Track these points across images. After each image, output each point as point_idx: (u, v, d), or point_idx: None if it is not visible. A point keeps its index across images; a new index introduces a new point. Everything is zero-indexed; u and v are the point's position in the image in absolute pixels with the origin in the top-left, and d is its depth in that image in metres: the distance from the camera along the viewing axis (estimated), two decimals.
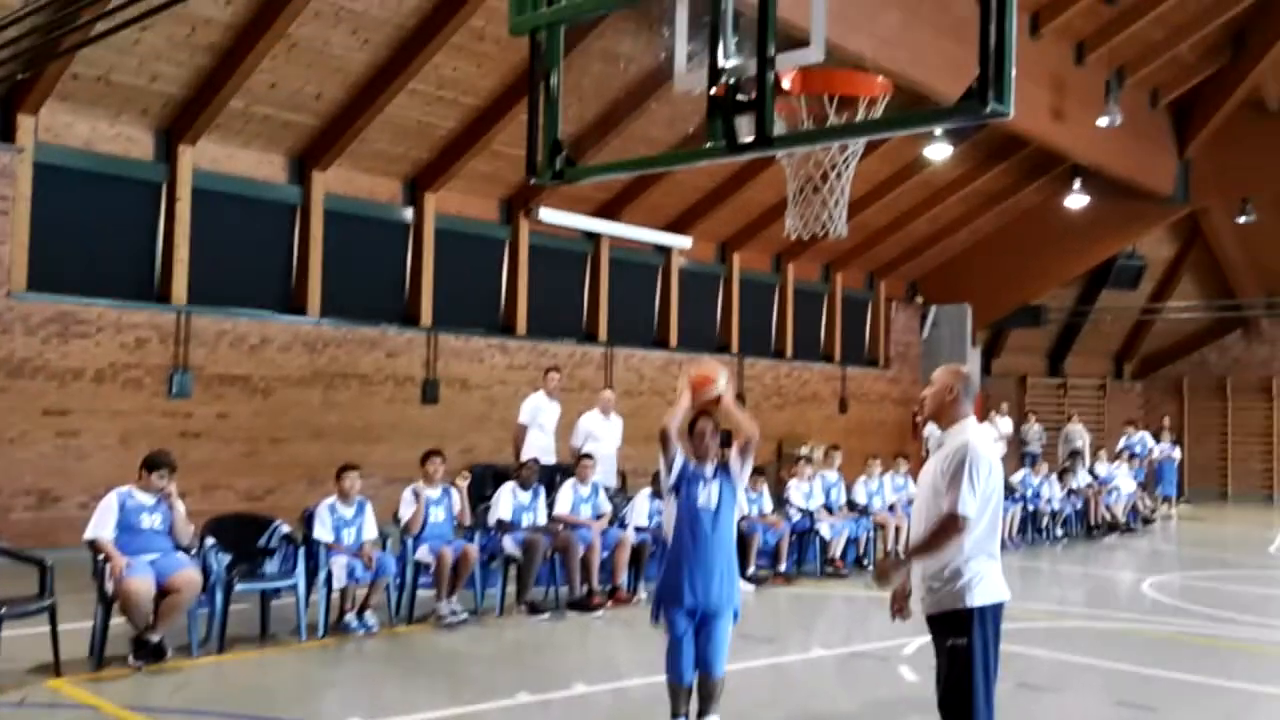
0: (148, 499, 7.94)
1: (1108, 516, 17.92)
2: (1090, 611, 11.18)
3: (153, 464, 8.02)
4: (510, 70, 14.04)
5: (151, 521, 7.90)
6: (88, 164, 12.91)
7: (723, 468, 6.17)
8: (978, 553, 4.71)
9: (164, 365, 13.23)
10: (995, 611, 4.74)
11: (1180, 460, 22.77)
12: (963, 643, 4.64)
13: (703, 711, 5.94)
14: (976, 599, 4.67)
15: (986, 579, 4.72)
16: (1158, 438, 22.06)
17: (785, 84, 6.78)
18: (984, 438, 4.87)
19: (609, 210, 17.75)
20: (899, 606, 5.06)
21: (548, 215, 16.85)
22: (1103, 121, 17.19)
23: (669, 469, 6.01)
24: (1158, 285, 26.01)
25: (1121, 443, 21.34)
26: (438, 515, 9.64)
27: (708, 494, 6.01)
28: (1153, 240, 24.59)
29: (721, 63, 5.25)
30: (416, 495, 9.54)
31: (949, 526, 4.62)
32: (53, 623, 7.34)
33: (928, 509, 4.78)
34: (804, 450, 15.83)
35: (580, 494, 10.72)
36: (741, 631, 9.66)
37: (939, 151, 18.63)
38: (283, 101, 13.53)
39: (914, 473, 15.38)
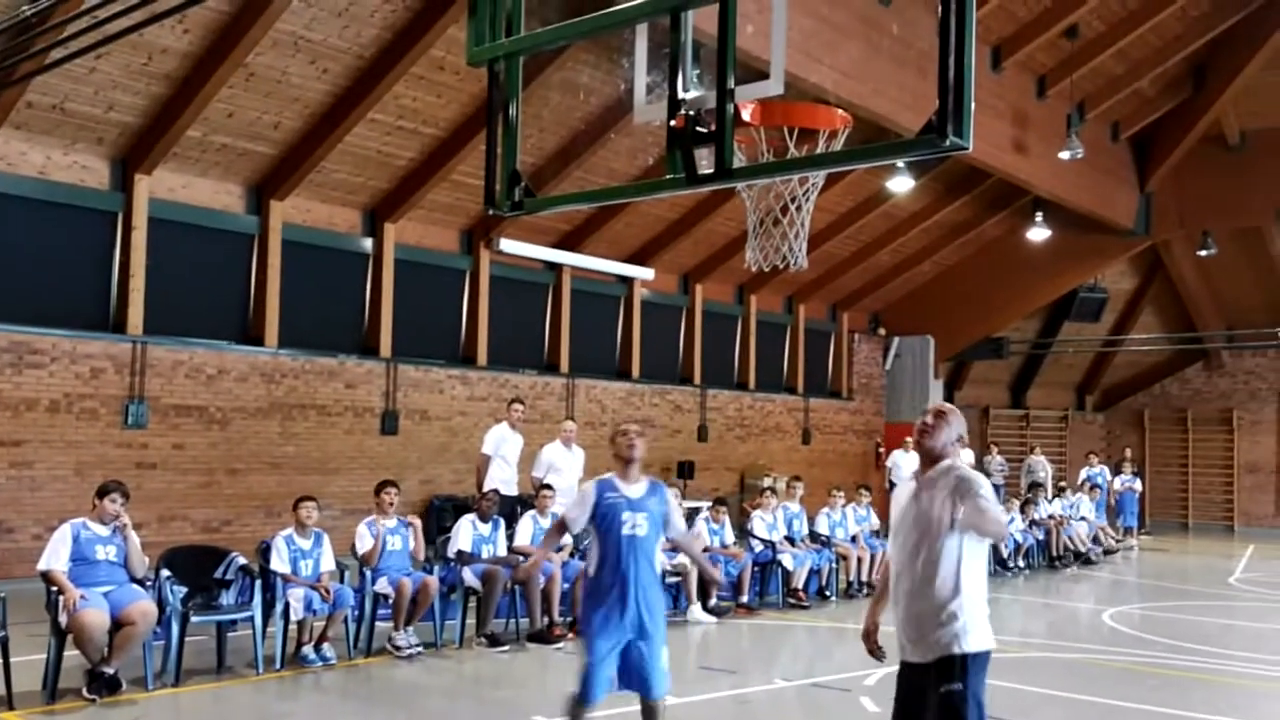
0: (102, 530, 7.89)
1: (1070, 547, 17.98)
2: (1051, 642, 11.19)
3: (105, 490, 7.97)
4: (470, 100, 14.03)
5: (106, 553, 7.83)
6: (42, 193, 12.75)
7: (652, 491, 5.98)
8: (973, 595, 4.64)
9: (119, 395, 13.05)
10: (986, 659, 4.64)
11: (1141, 491, 22.92)
12: (957, 689, 4.49)
13: None
14: (970, 645, 4.57)
15: (980, 624, 4.66)
16: (1119, 469, 22.21)
17: (745, 116, 6.81)
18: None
19: (571, 241, 17.74)
20: (871, 644, 5.12)
21: (509, 246, 16.81)
22: (1064, 155, 17.36)
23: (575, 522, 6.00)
24: (1119, 317, 26.31)
25: (1083, 474, 21.48)
26: (395, 544, 9.53)
27: (633, 521, 5.84)
28: (1114, 273, 24.91)
29: (681, 94, 5.25)
30: (372, 530, 9.43)
31: (996, 524, 4.65)
32: (4, 655, 7.25)
33: (919, 539, 4.67)
34: (767, 481, 15.80)
35: (540, 525, 10.65)
36: (703, 662, 9.65)
37: (901, 184, 18.76)
38: (240, 131, 13.44)
39: (877, 504, 15.47)
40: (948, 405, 5.03)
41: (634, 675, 5.72)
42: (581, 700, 5.67)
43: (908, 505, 4.80)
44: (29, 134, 12.47)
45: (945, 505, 4.60)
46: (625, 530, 5.80)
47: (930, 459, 4.81)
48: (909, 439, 21.38)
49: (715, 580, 5.58)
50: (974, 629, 4.57)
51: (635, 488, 5.94)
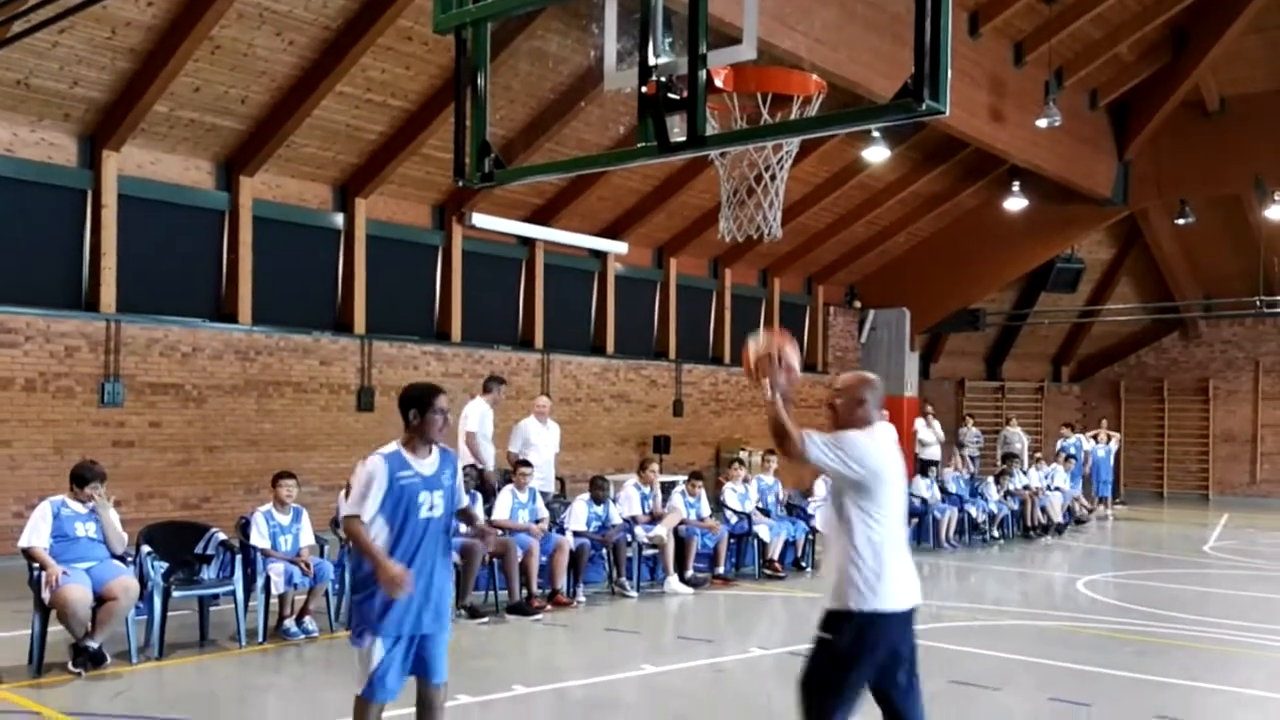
0: (82, 508, 8.00)
1: (1043, 519, 18.12)
2: (1026, 611, 11.29)
3: (82, 478, 8.05)
4: (439, 72, 13.92)
5: (86, 530, 7.96)
6: (10, 170, 12.61)
7: (444, 462, 5.38)
8: (868, 559, 4.64)
9: (95, 374, 12.96)
10: (884, 621, 4.62)
11: (1117, 461, 23.05)
12: (828, 639, 4.63)
13: None
14: (865, 602, 4.59)
15: (884, 582, 4.63)
16: (1095, 440, 22.32)
17: (718, 82, 6.76)
18: (883, 435, 4.94)
19: (543, 215, 17.66)
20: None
21: (481, 220, 16.72)
22: (1042, 123, 17.23)
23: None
24: (1096, 288, 26.30)
25: (1058, 445, 21.62)
26: None
27: (430, 502, 5.22)
28: (1091, 243, 24.86)
29: (652, 60, 5.21)
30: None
31: (791, 437, 4.82)
32: None
33: (830, 500, 4.87)
34: (742, 454, 15.83)
35: (518, 500, 10.70)
36: (680, 632, 9.70)
37: (877, 154, 18.67)
38: (207, 105, 13.30)
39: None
40: (851, 377, 5.17)
41: (423, 663, 5.17)
42: (374, 700, 5.07)
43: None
44: None
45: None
46: (423, 513, 5.18)
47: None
48: (884, 411, 21.44)
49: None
50: (861, 591, 4.59)
51: (428, 462, 5.31)
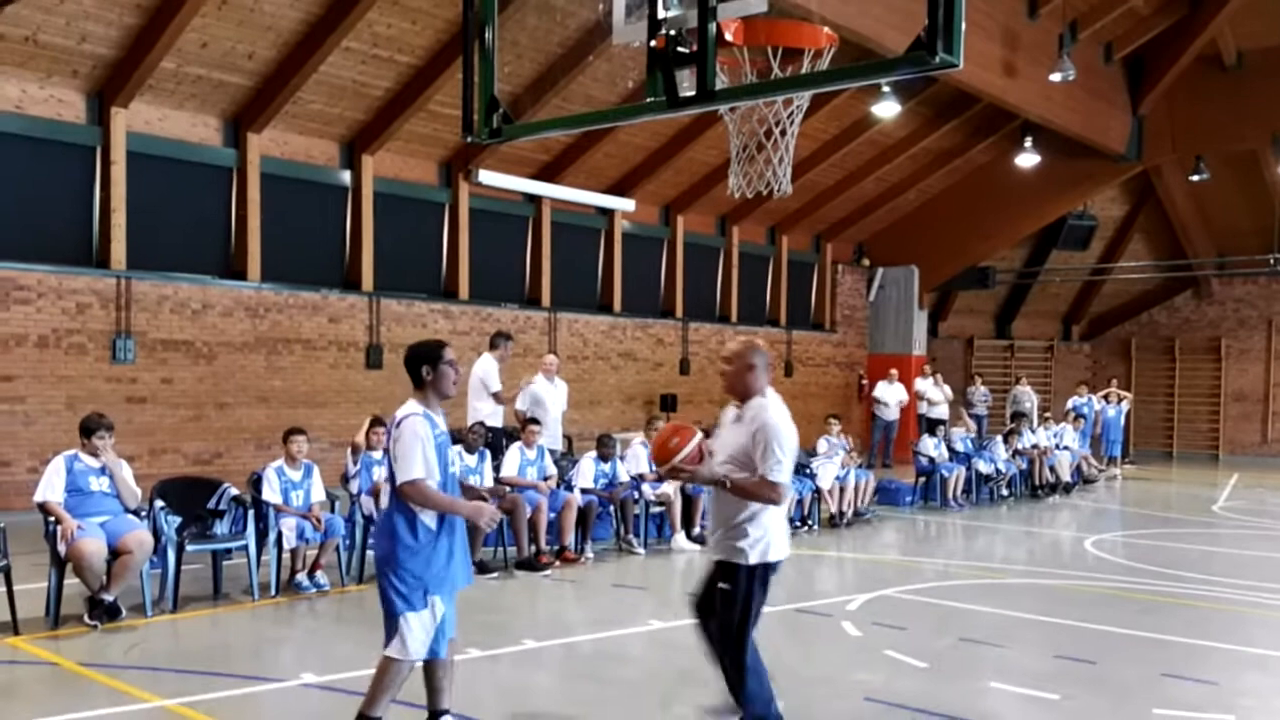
0: (95, 462, 8.07)
1: (1051, 478, 18.13)
2: (1033, 569, 11.32)
3: (86, 428, 8.13)
4: (446, 27, 13.81)
5: (100, 484, 8.05)
6: (19, 127, 12.59)
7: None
8: (765, 515, 5.23)
9: (106, 331, 13.01)
10: (768, 569, 5.28)
11: (1127, 420, 22.98)
12: (728, 589, 5.24)
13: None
14: (752, 558, 5.21)
15: (765, 541, 5.23)
16: (1105, 400, 22.26)
17: (728, 35, 6.71)
18: (782, 410, 5.30)
19: (550, 172, 17.57)
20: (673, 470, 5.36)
21: (487, 177, 16.63)
22: (1055, 77, 16.99)
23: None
24: (1108, 245, 26.05)
25: (1069, 403, 21.57)
26: (382, 474, 9.59)
27: (452, 456, 5.36)
28: (1104, 199, 24.62)
29: (661, 13, 5.17)
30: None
31: (768, 493, 5.16)
32: (8, 583, 7.54)
33: (730, 461, 5.27)
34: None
35: (526, 457, 10.73)
36: (687, 589, 9.71)
37: (887, 109, 18.46)
38: (215, 62, 13.23)
39: (851, 433, 15.53)
40: (738, 345, 5.43)
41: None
42: (439, 656, 5.23)
43: (729, 427, 5.41)
44: (2, 67, 12.27)
45: (751, 446, 5.19)
46: (452, 469, 5.32)
47: (739, 398, 5.38)
48: (894, 371, 21.51)
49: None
50: (757, 545, 5.21)
51: (443, 419, 5.38)
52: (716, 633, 5.34)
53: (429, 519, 5.11)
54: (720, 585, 5.27)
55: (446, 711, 5.36)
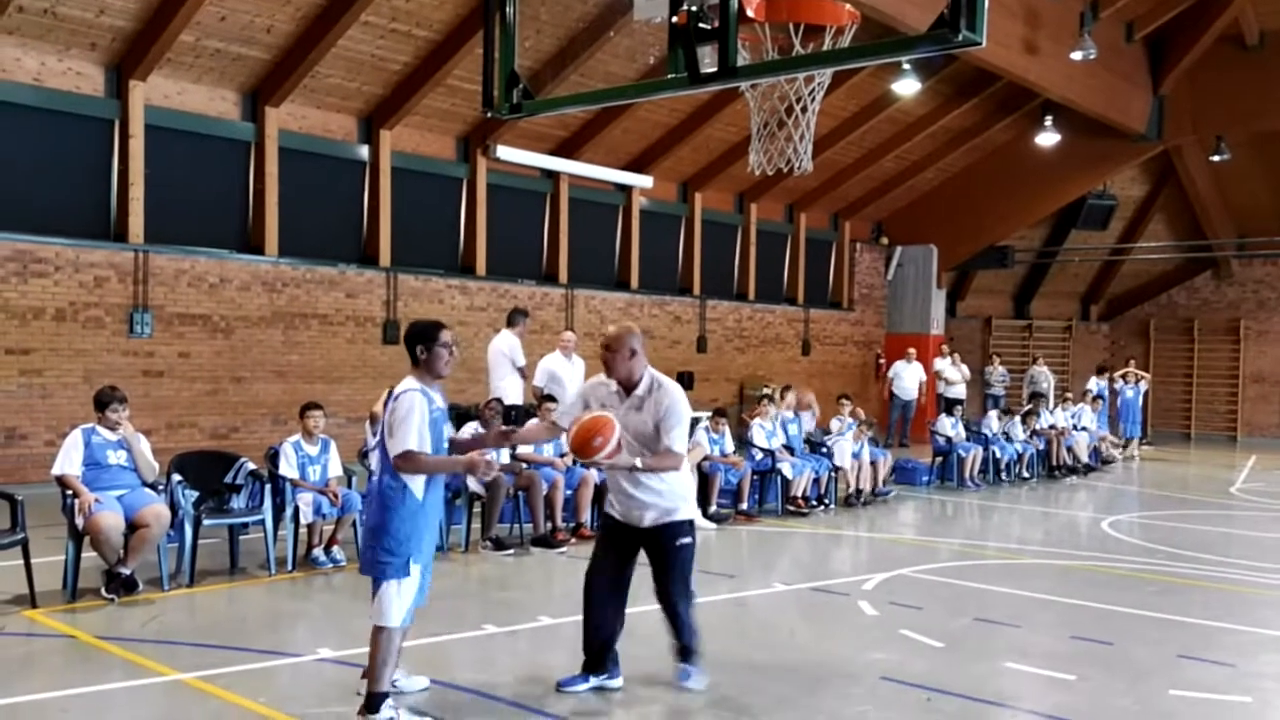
0: (113, 435, 8.07)
1: (1069, 459, 18.07)
2: (1049, 550, 11.29)
3: (99, 401, 8.13)
4: (465, 1, 13.76)
5: (118, 458, 8.04)
6: (37, 100, 12.61)
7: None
8: (686, 479, 6.03)
9: (124, 304, 13.06)
10: (692, 525, 6.04)
11: (1145, 401, 22.88)
12: (688, 541, 5.93)
13: None
14: (690, 512, 5.99)
15: (691, 499, 6.09)
16: (1124, 380, 22.17)
17: (749, 11, 6.65)
18: (674, 385, 5.94)
19: (568, 148, 17.52)
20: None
21: (506, 153, 16.61)
22: (1076, 55, 16.86)
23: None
24: (1127, 225, 25.90)
25: (1088, 386, 21.49)
26: None
27: (447, 433, 5.62)
28: (1124, 179, 24.45)
29: None
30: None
31: (674, 462, 5.76)
32: (26, 556, 7.51)
33: (640, 445, 5.78)
34: (766, 390, 15.81)
35: None
36: (702, 567, 9.74)
37: (907, 86, 18.35)
38: (233, 35, 13.21)
39: (868, 412, 15.48)
40: (618, 330, 5.88)
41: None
42: (409, 623, 5.43)
43: (629, 412, 5.82)
44: (22, 39, 12.28)
45: (657, 426, 5.77)
46: (444, 445, 5.56)
47: (626, 385, 5.89)
48: (911, 350, 21.45)
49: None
50: (688, 501, 6.01)
51: (439, 396, 5.59)
52: (670, 588, 5.91)
53: (417, 489, 5.30)
54: (678, 543, 5.88)
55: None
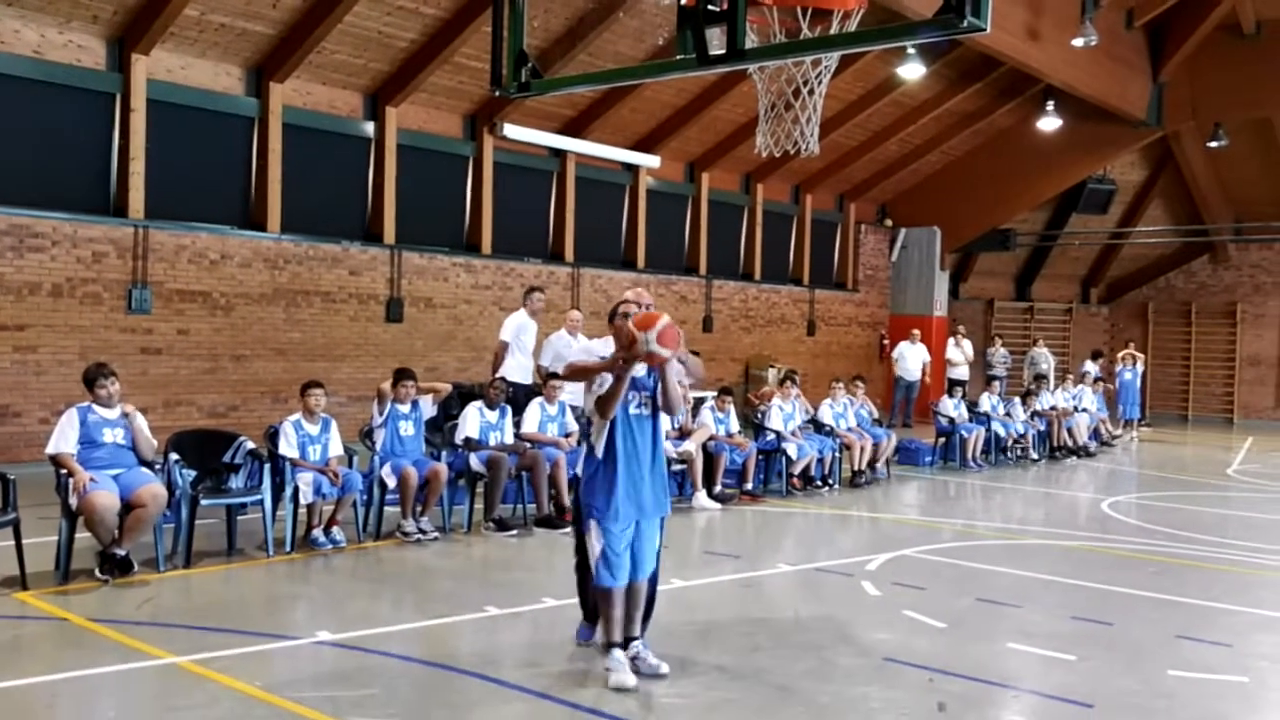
0: (109, 413, 7.91)
1: (1069, 440, 18.12)
2: (1050, 530, 11.33)
3: (87, 379, 7.99)
4: None
5: (114, 436, 7.88)
6: (38, 73, 12.54)
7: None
8: None
9: (122, 280, 13.00)
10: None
11: (1143, 383, 22.99)
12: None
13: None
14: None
15: None
16: (1123, 362, 22.25)
17: None
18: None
19: (575, 127, 17.47)
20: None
21: (513, 131, 16.57)
22: (1078, 42, 16.98)
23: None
24: (1127, 210, 26.12)
25: (1087, 366, 21.57)
26: (407, 429, 9.62)
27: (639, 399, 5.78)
28: (1123, 164, 24.63)
29: None
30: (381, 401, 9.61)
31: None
32: (17, 537, 7.33)
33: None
34: (771, 374, 15.83)
35: (547, 413, 10.72)
36: (707, 547, 9.79)
37: (912, 71, 18.41)
38: (238, 10, 13.15)
39: (874, 395, 15.51)
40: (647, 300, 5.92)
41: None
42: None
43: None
44: (22, 10, 12.21)
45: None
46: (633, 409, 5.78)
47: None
48: (915, 331, 21.48)
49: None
50: None
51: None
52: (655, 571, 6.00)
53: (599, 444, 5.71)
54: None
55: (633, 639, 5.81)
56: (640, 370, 5.68)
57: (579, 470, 6.09)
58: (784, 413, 13.06)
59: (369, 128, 15.50)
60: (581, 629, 6.29)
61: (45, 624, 6.64)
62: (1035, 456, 17.00)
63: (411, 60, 14.89)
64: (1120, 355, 22.58)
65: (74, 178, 13.02)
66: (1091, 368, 21.51)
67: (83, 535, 7.63)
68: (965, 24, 4.08)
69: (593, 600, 6.04)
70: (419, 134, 16.02)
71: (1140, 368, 22.51)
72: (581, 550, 6.07)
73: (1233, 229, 25.53)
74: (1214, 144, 22.05)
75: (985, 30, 4.05)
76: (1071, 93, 19.48)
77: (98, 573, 7.51)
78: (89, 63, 12.91)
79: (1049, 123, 21.06)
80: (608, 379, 5.55)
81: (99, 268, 12.82)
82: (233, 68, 14.07)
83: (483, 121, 16.59)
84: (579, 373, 5.83)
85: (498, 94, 5.46)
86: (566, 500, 10.29)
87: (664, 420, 5.93)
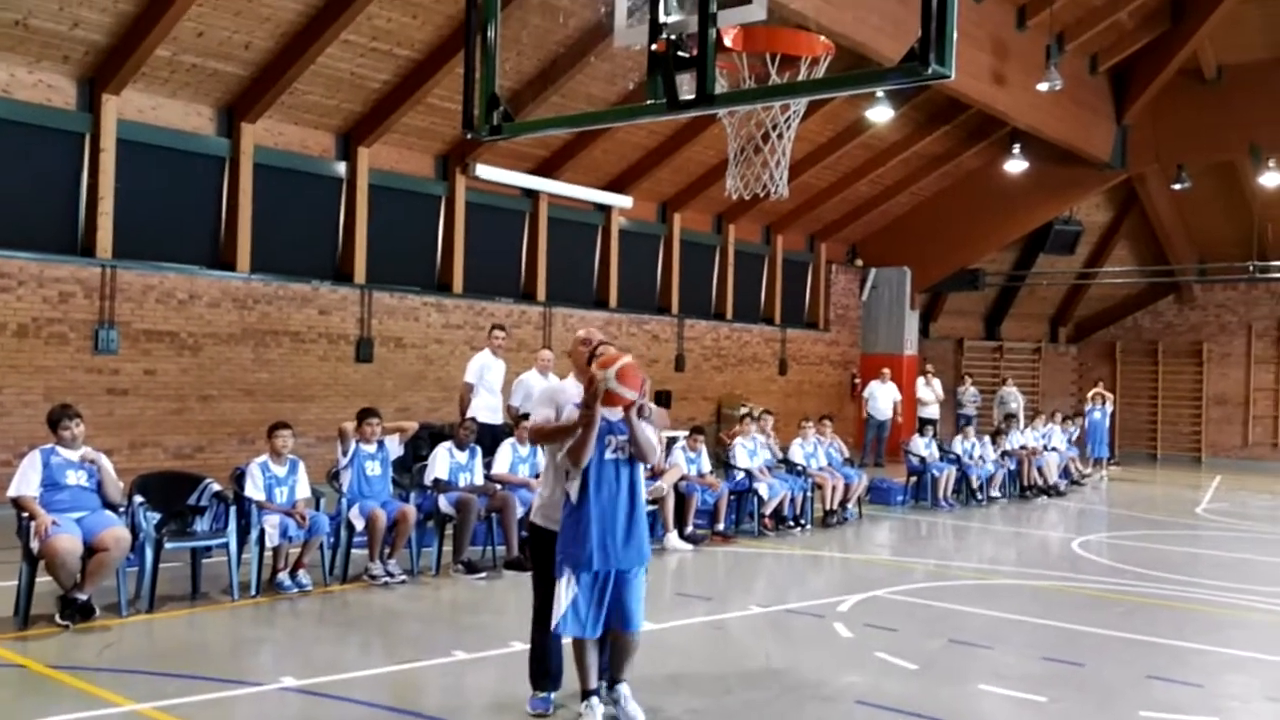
0: (73, 455, 7.82)
1: (1039, 479, 18.20)
2: (1021, 570, 11.36)
3: (51, 420, 7.90)
4: (446, 22, 13.76)
5: (78, 478, 7.79)
6: (7, 112, 12.46)
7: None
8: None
9: (89, 320, 12.88)
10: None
11: (1112, 422, 23.18)
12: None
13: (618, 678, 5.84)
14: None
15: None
16: (1093, 401, 22.44)
17: (727, 41, 6.71)
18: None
19: (548, 168, 17.54)
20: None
21: (485, 172, 16.60)
22: (1043, 86, 17.28)
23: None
24: (1094, 250, 26.49)
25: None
26: (373, 469, 9.55)
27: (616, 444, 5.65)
28: (1089, 206, 25.01)
29: (663, 18, 5.17)
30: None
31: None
32: None
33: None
34: (743, 410, 15.86)
35: (519, 453, 10.67)
36: (679, 589, 9.75)
37: (881, 114, 18.63)
38: (210, 50, 13.14)
39: (845, 434, 15.56)
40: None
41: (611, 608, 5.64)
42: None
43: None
44: None
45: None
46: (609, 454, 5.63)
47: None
48: (885, 370, 21.58)
49: None
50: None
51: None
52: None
53: (573, 490, 5.58)
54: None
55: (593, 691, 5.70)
56: (614, 415, 5.60)
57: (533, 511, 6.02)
58: (747, 450, 13.06)
59: (341, 168, 15.49)
60: (532, 700, 5.92)
61: (3, 671, 6.51)
62: (997, 494, 17.01)
63: (384, 101, 14.92)
64: (1090, 395, 22.78)
65: (42, 217, 12.92)
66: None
67: (43, 579, 7.50)
68: (930, 71, 4.13)
69: (550, 663, 5.86)
70: (391, 174, 16.02)
71: (1109, 407, 22.70)
72: (542, 599, 5.77)
73: (1197, 269, 25.92)
74: (1178, 186, 22.48)
75: (950, 77, 4.10)
76: (1037, 136, 19.76)
77: (58, 618, 7.37)
78: (59, 102, 12.86)
79: (1016, 165, 21.33)
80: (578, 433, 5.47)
81: (65, 307, 12.70)
82: (204, 107, 14.05)
83: (455, 162, 16.62)
84: (545, 436, 5.75)
85: (470, 136, 5.46)
86: None
87: (642, 468, 5.85)
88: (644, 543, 5.70)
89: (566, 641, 5.72)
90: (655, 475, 11.70)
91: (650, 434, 5.69)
